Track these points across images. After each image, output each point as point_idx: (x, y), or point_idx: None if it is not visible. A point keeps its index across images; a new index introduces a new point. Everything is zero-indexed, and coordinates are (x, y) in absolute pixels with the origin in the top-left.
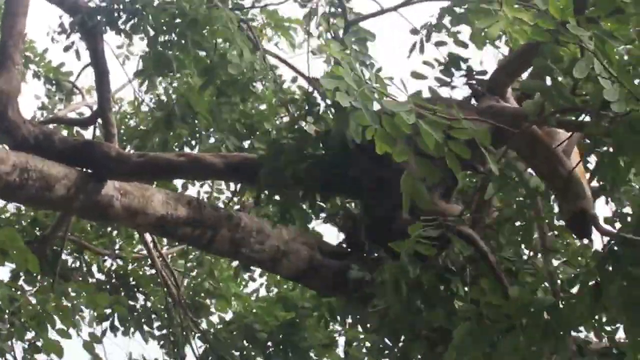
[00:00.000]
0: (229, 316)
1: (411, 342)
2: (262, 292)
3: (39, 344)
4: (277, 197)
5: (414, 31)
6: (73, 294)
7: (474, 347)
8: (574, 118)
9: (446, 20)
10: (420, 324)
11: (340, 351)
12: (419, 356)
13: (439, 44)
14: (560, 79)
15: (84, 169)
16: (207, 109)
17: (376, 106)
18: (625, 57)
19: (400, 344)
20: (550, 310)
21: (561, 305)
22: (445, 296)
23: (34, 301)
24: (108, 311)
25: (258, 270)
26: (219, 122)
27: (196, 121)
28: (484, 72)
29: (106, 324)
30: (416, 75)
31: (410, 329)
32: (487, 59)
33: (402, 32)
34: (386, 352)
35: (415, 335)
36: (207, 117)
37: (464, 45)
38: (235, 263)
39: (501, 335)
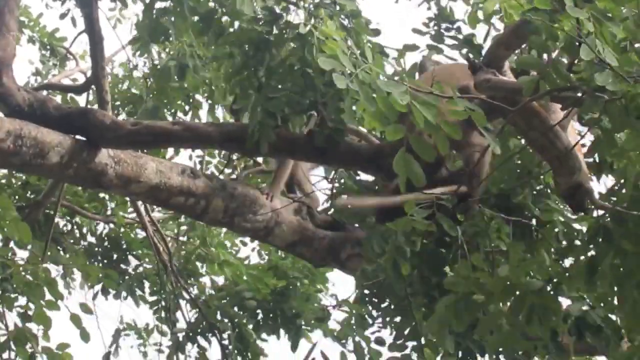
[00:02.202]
0: (220, 281)
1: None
2: (254, 259)
3: (30, 312)
4: None
5: None
6: (65, 260)
7: (455, 321)
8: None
9: None
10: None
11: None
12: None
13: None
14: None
15: (78, 137)
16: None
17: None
18: (618, 37)
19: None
20: (537, 294)
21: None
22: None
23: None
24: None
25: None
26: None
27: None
28: (472, 35)
29: (98, 287)
30: (408, 48)
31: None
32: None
33: None
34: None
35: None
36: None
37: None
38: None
39: (484, 313)
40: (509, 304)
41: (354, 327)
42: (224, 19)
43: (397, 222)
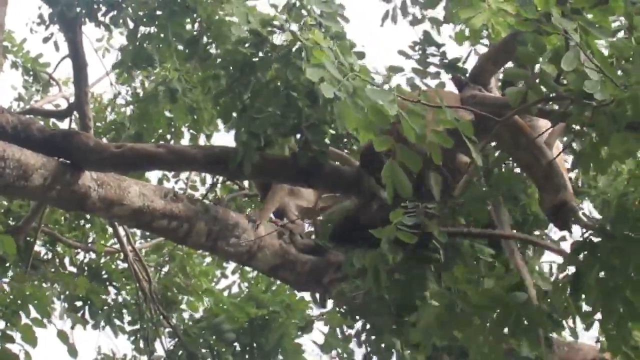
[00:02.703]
0: (200, 311)
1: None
2: (235, 289)
3: (12, 332)
4: None
5: None
6: (48, 284)
7: (439, 332)
8: (557, 107)
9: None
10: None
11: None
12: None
13: (414, 22)
14: (543, 68)
15: (62, 159)
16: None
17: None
18: (606, 51)
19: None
20: (522, 307)
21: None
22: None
23: (7, 289)
24: (79, 304)
25: (230, 268)
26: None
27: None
28: (458, 60)
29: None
30: (393, 69)
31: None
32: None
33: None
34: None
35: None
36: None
37: (439, 22)
38: (208, 259)
39: (468, 325)
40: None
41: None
42: (209, 42)
43: (382, 230)
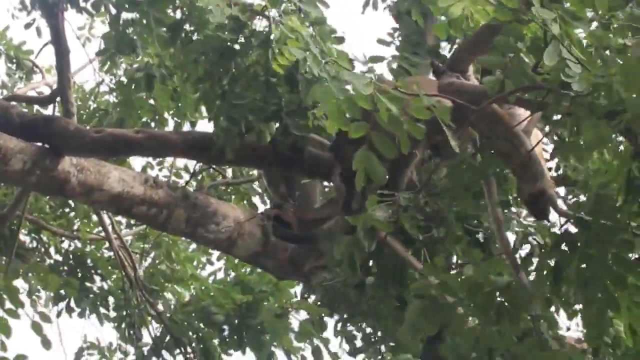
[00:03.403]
0: (186, 298)
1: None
2: (220, 275)
3: None
4: None
5: None
6: (30, 276)
7: (426, 325)
8: (535, 97)
9: None
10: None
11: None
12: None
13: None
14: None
15: (42, 144)
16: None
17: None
18: (584, 40)
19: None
20: (504, 292)
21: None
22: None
23: None
24: (63, 292)
25: (215, 254)
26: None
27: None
28: (437, 46)
29: (62, 305)
30: (374, 59)
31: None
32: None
33: None
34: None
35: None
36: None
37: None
38: (194, 246)
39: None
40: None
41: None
42: (190, 29)
43: (358, 217)
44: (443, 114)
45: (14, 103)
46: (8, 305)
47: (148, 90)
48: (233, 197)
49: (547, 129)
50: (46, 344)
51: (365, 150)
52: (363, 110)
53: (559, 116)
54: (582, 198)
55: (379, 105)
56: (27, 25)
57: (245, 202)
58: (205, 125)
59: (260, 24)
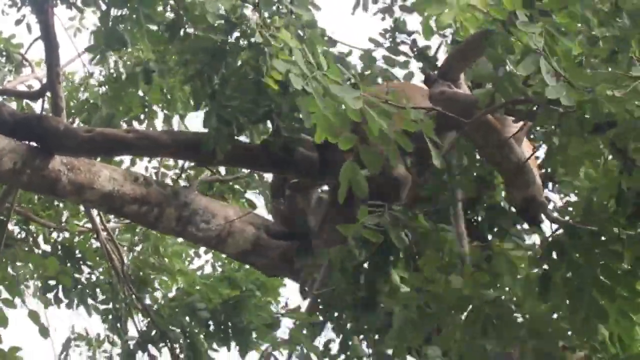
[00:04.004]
0: (173, 292)
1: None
2: (208, 269)
3: None
4: None
5: None
6: (20, 264)
7: (413, 335)
8: (525, 107)
9: None
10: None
11: (283, 332)
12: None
13: (384, 10)
14: (512, 69)
15: (32, 143)
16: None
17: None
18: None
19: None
20: (492, 305)
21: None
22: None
23: None
24: (52, 283)
25: (203, 247)
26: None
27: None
28: (427, 48)
29: (50, 296)
30: (364, 58)
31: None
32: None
33: None
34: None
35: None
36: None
37: (409, 10)
38: (181, 239)
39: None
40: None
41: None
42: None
43: (348, 227)
44: (427, 129)
45: (3, 99)
46: (4, 294)
47: (147, 82)
48: (231, 196)
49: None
50: (44, 332)
51: (351, 163)
52: (352, 121)
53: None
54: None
55: (368, 119)
56: (18, 22)
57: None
58: (194, 121)
59: (251, 23)
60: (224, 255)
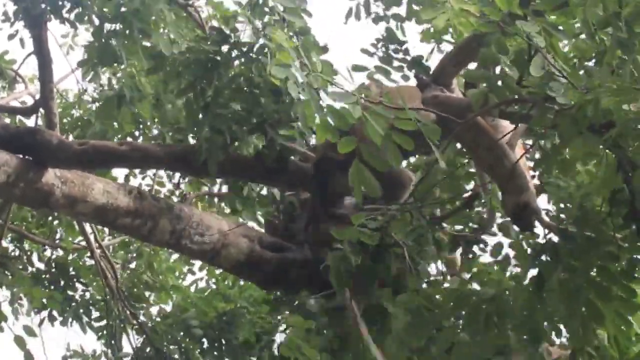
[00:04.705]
0: (168, 308)
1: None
2: (202, 284)
3: None
4: None
5: None
6: (11, 285)
7: (414, 338)
8: (518, 109)
9: None
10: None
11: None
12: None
13: (377, 19)
14: (506, 69)
15: (25, 156)
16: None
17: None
18: (567, 50)
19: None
20: (490, 303)
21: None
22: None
23: None
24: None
25: (197, 264)
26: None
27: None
28: (420, 57)
29: (44, 314)
30: (357, 68)
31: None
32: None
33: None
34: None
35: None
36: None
37: (402, 19)
38: (175, 256)
39: (440, 327)
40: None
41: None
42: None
43: (344, 231)
44: (430, 133)
45: None
46: None
47: (118, 107)
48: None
49: (531, 141)
50: (29, 358)
51: (358, 164)
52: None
53: (543, 129)
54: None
55: (367, 126)
56: (11, 36)
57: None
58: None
59: (243, 35)
60: (217, 272)
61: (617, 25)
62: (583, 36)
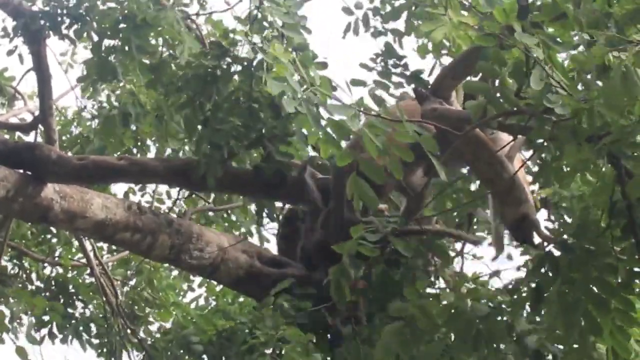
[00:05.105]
0: (168, 325)
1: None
2: (202, 302)
3: None
4: None
5: (348, 11)
6: (12, 300)
7: (400, 349)
8: (517, 122)
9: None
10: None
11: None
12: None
13: (376, 34)
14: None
15: (24, 171)
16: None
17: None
18: (566, 63)
19: None
20: (483, 320)
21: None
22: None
23: None
24: (46, 318)
25: (197, 281)
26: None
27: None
28: (420, 71)
29: (44, 331)
30: (356, 82)
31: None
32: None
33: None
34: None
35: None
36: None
37: (400, 34)
38: (175, 272)
39: (429, 340)
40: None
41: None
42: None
43: (343, 244)
44: (429, 144)
45: None
46: None
47: (124, 126)
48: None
49: (529, 153)
50: None
51: (355, 176)
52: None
53: (541, 140)
54: (566, 219)
55: (365, 139)
56: (10, 52)
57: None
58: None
59: (242, 50)
60: (218, 289)
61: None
62: (581, 48)
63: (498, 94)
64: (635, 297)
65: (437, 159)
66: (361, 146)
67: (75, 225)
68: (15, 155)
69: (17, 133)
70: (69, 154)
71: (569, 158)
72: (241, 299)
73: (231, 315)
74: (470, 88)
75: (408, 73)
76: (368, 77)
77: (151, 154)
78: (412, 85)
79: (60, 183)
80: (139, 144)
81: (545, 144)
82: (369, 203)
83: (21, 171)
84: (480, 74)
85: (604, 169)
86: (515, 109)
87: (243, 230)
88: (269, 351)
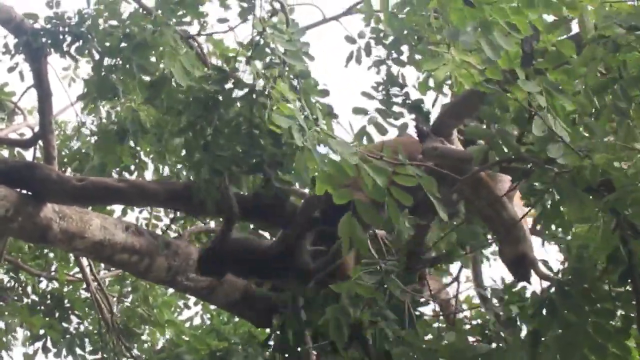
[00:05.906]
0: (162, 342)
1: None
2: (197, 321)
3: None
4: None
5: (350, 39)
6: (7, 315)
7: None
8: (518, 166)
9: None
10: None
11: None
12: None
13: (378, 63)
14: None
15: (24, 191)
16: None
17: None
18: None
19: None
20: (485, 358)
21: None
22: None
23: None
24: (42, 332)
25: (193, 299)
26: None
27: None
28: (420, 101)
29: (38, 345)
30: (357, 111)
31: None
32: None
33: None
34: None
35: None
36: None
37: (402, 63)
38: (171, 290)
39: None
40: None
41: None
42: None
43: (341, 284)
44: (429, 186)
45: None
46: None
47: (121, 143)
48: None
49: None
50: None
51: (349, 217)
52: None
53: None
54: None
55: (363, 175)
56: (11, 69)
57: None
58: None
59: (244, 76)
60: (212, 307)
61: (614, 89)
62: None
63: (500, 141)
64: (631, 341)
65: (438, 200)
66: (358, 185)
67: (73, 245)
68: (14, 175)
69: (16, 149)
70: (68, 169)
71: (570, 210)
72: (237, 319)
73: (225, 335)
74: (473, 133)
75: (409, 102)
76: (369, 105)
77: (149, 172)
78: (413, 115)
79: (59, 203)
80: (136, 161)
81: (546, 189)
82: (359, 245)
83: (21, 190)
84: (483, 119)
85: (603, 221)
86: (516, 155)
87: None
88: None
